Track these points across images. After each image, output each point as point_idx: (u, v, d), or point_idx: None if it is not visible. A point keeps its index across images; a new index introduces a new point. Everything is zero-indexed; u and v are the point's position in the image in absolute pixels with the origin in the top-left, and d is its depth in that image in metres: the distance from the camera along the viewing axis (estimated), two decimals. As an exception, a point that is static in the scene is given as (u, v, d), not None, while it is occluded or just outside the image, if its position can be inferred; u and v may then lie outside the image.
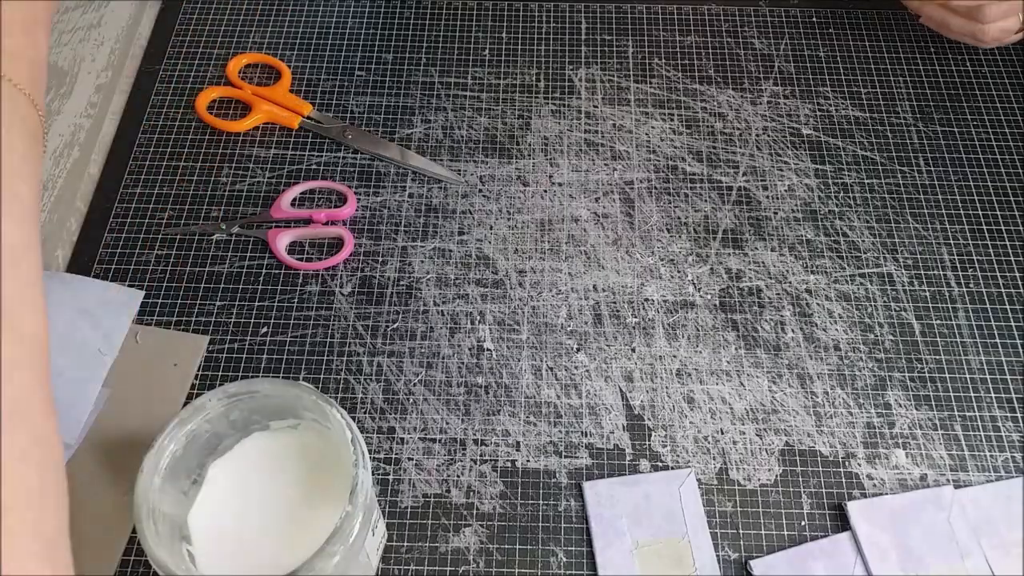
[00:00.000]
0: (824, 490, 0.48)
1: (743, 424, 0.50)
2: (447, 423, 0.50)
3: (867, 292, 0.55)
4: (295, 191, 0.58)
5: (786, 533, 0.47)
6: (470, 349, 0.53)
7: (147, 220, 0.58)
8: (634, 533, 0.47)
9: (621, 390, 0.51)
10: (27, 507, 0.30)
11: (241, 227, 0.57)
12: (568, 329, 0.54)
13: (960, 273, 0.56)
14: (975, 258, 0.56)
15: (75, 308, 0.51)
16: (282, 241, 0.56)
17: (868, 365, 0.52)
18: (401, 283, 0.55)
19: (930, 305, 0.55)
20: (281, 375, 0.52)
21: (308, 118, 0.62)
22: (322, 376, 0.52)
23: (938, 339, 0.53)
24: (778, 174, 0.60)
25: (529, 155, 0.61)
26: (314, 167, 0.60)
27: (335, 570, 0.35)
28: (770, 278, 0.55)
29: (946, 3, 0.62)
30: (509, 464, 0.49)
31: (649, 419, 0.51)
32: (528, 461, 0.49)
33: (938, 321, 0.54)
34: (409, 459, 0.49)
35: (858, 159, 0.60)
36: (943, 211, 0.58)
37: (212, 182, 0.59)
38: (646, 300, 0.55)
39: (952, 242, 0.57)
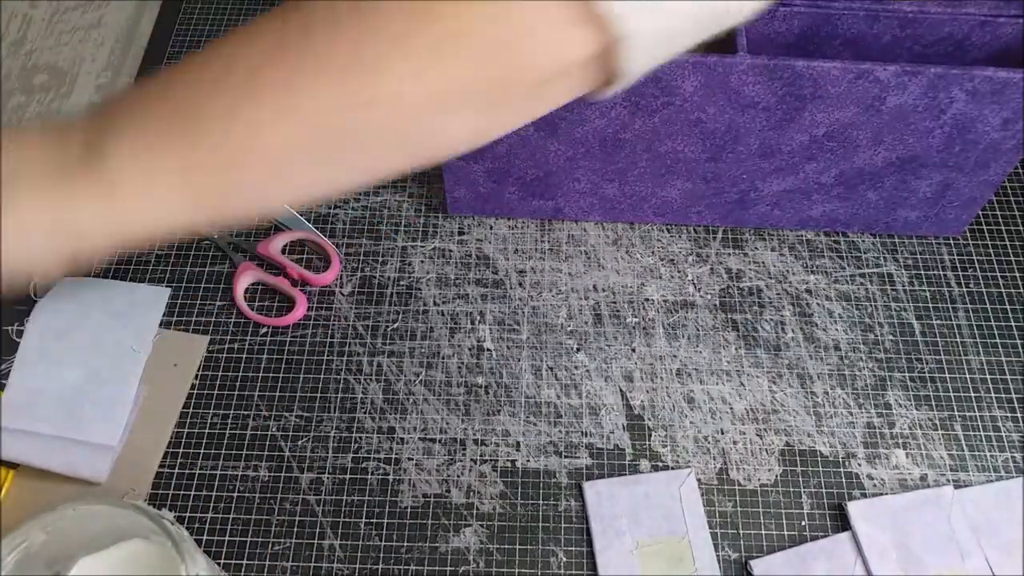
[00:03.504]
0: (824, 490, 0.48)
1: (743, 424, 0.50)
2: (447, 423, 0.50)
3: (867, 292, 0.55)
4: (286, 238, 0.56)
5: (786, 533, 0.47)
6: (470, 349, 0.53)
7: (147, 220, 0.58)
8: (634, 533, 0.47)
9: (621, 390, 0.51)
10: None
11: (229, 243, 0.56)
12: (568, 329, 0.54)
13: (960, 273, 0.56)
14: (975, 258, 0.56)
15: (105, 311, 0.52)
16: (245, 279, 0.54)
17: (868, 365, 0.52)
18: (401, 283, 0.55)
19: (930, 305, 0.55)
20: (281, 375, 0.52)
21: None
22: (322, 376, 0.52)
23: (938, 339, 0.53)
24: (778, 174, 0.60)
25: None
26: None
27: None
28: (770, 278, 0.55)
29: None
30: (509, 464, 0.49)
31: (649, 419, 0.51)
32: (528, 461, 0.49)
33: (938, 321, 0.54)
34: (409, 459, 0.49)
35: (858, 159, 0.60)
36: (943, 211, 0.58)
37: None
38: (646, 300, 0.55)
39: (952, 242, 0.57)
